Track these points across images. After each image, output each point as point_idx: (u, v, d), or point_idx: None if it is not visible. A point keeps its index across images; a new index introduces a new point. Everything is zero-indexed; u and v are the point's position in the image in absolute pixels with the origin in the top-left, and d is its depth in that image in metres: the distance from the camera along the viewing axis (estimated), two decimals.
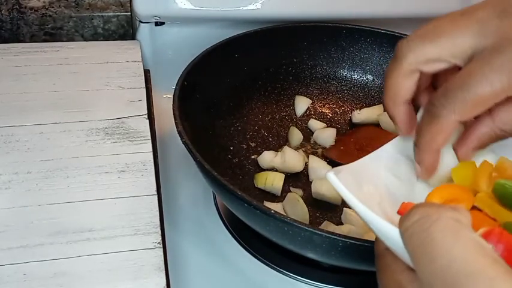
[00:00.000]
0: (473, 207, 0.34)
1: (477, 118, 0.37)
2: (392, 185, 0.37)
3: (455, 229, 0.25)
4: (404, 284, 0.29)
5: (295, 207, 0.54)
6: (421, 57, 0.36)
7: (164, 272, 0.43)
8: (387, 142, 0.39)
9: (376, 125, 0.66)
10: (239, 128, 0.63)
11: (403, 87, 0.37)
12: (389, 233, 0.28)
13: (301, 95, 0.68)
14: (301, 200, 0.54)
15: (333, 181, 0.32)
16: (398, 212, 0.33)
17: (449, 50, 0.35)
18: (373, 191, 0.35)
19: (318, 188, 0.56)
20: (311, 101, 0.68)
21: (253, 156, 0.61)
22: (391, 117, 0.39)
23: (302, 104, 0.67)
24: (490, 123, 0.36)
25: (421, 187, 0.38)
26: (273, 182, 0.57)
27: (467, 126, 0.38)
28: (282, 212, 0.54)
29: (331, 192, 0.55)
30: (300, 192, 0.58)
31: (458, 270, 0.24)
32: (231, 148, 0.60)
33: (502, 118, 0.36)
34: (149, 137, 0.55)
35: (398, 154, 0.39)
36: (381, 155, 0.38)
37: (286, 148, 0.60)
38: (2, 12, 0.68)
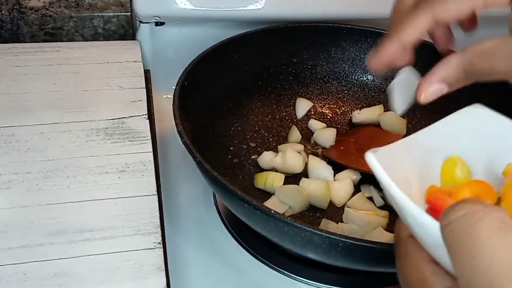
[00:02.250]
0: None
1: None
2: (420, 174, 0.36)
3: (501, 229, 0.25)
4: (427, 276, 0.29)
5: (294, 196, 0.55)
6: None
7: (164, 272, 0.43)
8: (421, 130, 0.38)
9: (376, 125, 0.66)
10: (239, 128, 0.63)
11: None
12: (426, 224, 0.27)
13: (301, 95, 0.68)
14: (300, 188, 0.55)
15: (372, 163, 0.32)
16: (427, 201, 0.33)
17: None
18: (403, 177, 0.34)
19: (306, 187, 0.56)
20: (312, 104, 0.68)
21: (253, 157, 0.61)
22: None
23: (303, 106, 0.67)
24: (456, 60, 0.36)
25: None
26: (273, 182, 0.57)
27: None
28: (277, 200, 0.54)
29: (320, 191, 0.55)
30: None
31: (500, 270, 0.24)
32: (231, 148, 0.60)
33: (470, 53, 0.36)
34: (149, 137, 0.55)
35: (431, 143, 0.38)
36: (415, 141, 0.37)
37: (286, 148, 0.60)
38: (2, 12, 0.68)
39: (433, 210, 0.32)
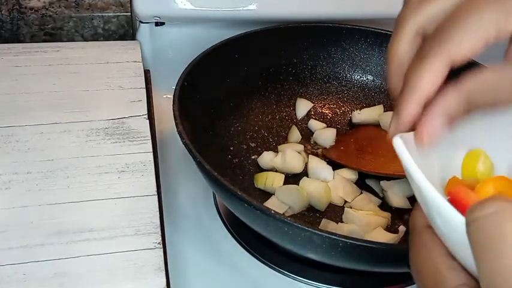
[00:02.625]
0: None
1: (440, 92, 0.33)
2: (442, 164, 0.36)
3: None
4: (442, 269, 0.28)
5: (294, 196, 0.55)
6: (423, 16, 0.34)
7: (164, 272, 0.43)
8: None
9: (376, 125, 0.66)
10: (239, 128, 0.63)
11: (409, 53, 0.35)
12: (451, 218, 0.27)
13: (302, 95, 0.68)
14: (300, 188, 0.55)
15: (398, 148, 0.31)
16: (448, 193, 0.32)
17: (450, 2, 0.33)
18: (428, 165, 0.33)
19: (306, 186, 0.56)
20: (312, 104, 0.68)
21: (253, 157, 0.61)
22: (392, 92, 0.36)
23: (303, 106, 0.67)
24: (456, 93, 0.32)
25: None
26: (273, 182, 0.57)
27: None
28: (277, 200, 0.55)
29: (319, 193, 0.55)
30: None
31: None
32: (231, 148, 0.60)
33: (470, 86, 0.32)
34: (149, 137, 0.55)
35: (456, 133, 0.36)
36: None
37: (286, 148, 0.60)
38: (2, 12, 0.68)
39: (455, 202, 0.31)
